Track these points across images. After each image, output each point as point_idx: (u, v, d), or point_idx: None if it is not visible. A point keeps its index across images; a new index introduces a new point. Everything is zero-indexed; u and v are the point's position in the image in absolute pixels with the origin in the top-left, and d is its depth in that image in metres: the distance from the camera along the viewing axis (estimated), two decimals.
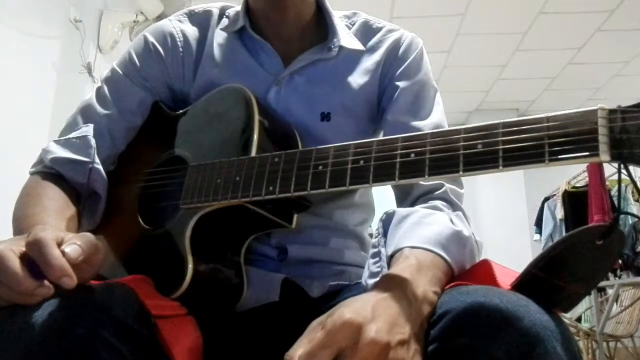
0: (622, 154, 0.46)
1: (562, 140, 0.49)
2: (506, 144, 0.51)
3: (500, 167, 0.51)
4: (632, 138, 0.46)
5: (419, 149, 0.56)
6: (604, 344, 4.11)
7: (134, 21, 3.45)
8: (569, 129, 0.49)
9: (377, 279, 0.65)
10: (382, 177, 0.59)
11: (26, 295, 0.54)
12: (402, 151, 0.58)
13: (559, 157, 0.48)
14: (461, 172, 0.53)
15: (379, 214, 0.75)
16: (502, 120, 0.53)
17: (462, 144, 0.54)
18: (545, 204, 5.47)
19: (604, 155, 0.47)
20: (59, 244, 0.57)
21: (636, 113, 0.46)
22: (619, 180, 0.49)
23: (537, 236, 5.53)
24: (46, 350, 0.52)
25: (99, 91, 0.93)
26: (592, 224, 0.54)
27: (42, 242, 0.55)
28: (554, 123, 0.50)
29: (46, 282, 0.55)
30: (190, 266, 0.70)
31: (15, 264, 0.54)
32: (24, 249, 0.56)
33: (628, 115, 0.47)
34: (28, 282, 0.54)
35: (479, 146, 0.52)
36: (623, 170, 0.49)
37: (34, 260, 0.55)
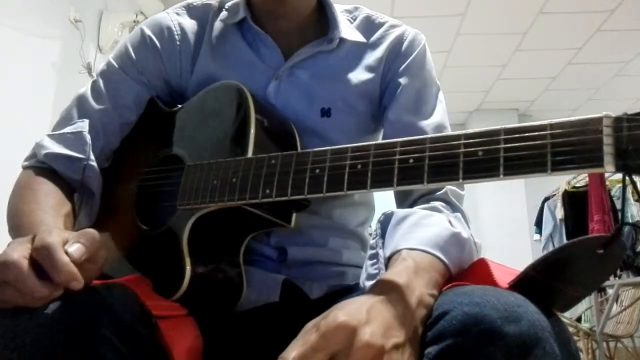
0: (628, 165, 0.45)
1: (565, 150, 0.47)
2: (507, 152, 0.50)
3: (501, 176, 0.50)
4: (639, 148, 0.44)
5: (418, 155, 0.55)
6: (604, 344, 4.11)
7: (134, 21, 3.44)
8: (573, 137, 0.47)
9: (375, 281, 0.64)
10: (380, 182, 0.58)
11: (34, 299, 0.55)
12: (401, 156, 0.57)
13: (562, 167, 0.47)
14: (461, 180, 0.51)
15: (379, 214, 0.75)
16: (503, 126, 0.52)
17: (462, 150, 0.53)
18: (545, 204, 5.45)
19: (609, 166, 0.45)
20: (63, 245, 0.57)
21: None
22: (624, 190, 0.48)
23: (537, 236, 5.52)
24: (49, 351, 0.52)
25: (94, 85, 0.92)
26: (593, 235, 0.53)
27: (50, 248, 0.56)
28: (558, 131, 0.48)
29: (56, 286, 0.56)
30: (188, 268, 0.70)
31: (30, 272, 0.55)
32: (30, 251, 0.57)
33: (634, 123, 0.45)
34: (43, 289, 0.55)
35: (479, 153, 0.51)
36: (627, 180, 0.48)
37: (42, 264, 0.56)
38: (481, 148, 0.51)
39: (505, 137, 0.51)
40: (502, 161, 0.50)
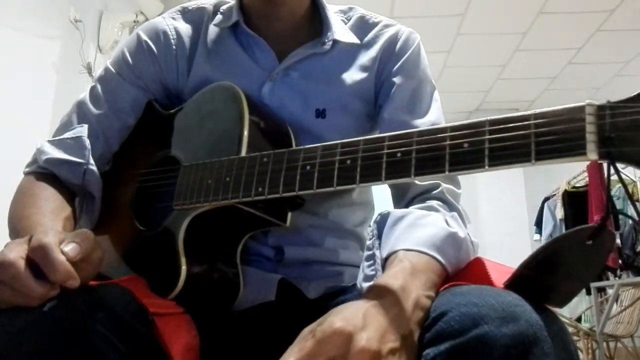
0: (611, 153, 0.44)
1: (548, 139, 0.47)
2: (492, 143, 0.50)
3: (486, 167, 0.50)
4: (622, 135, 0.44)
5: (405, 148, 0.56)
6: (604, 344, 4.11)
7: (134, 21, 3.45)
8: (556, 126, 0.47)
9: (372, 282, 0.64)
10: (368, 177, 0.58)
11: (31, 298, 0.56)
12: (389, 150, 0.57)
13: (546, 156, 0.47)
14: (447, 172, 0.52)
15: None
16: (488, 118, 0.52)
17: (448, 142, 0.53)
18: (545, 204, 5.46)
19: (592, 154, 0.45)
20: (60, 245, 0.58)
21: (626, 109, 0.44)
22: (608, 179, 0.47)
23: (537, 236, 5.52)
24: (47, 349, 0.53)
25: (92, 90, 0.93)
26: (579, 226, 0.52)
27: (46, 248, 0.56)
28: (541, 120, 0.48)
29: (52, 285, 0.57)
30: (183, 267, 0.70)
31: (27, 272, 0.56)
32: (26, 252, 0.57)
33: (618, 111, 0.45)
34: (39, 289, 0.55)
35: (465, 145, 0.51)
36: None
37: (38, 264, 0.56)
38: (466, 140, 0.52)
39: (490, 128, 0.51)
40: (487, 152, 0.50)
